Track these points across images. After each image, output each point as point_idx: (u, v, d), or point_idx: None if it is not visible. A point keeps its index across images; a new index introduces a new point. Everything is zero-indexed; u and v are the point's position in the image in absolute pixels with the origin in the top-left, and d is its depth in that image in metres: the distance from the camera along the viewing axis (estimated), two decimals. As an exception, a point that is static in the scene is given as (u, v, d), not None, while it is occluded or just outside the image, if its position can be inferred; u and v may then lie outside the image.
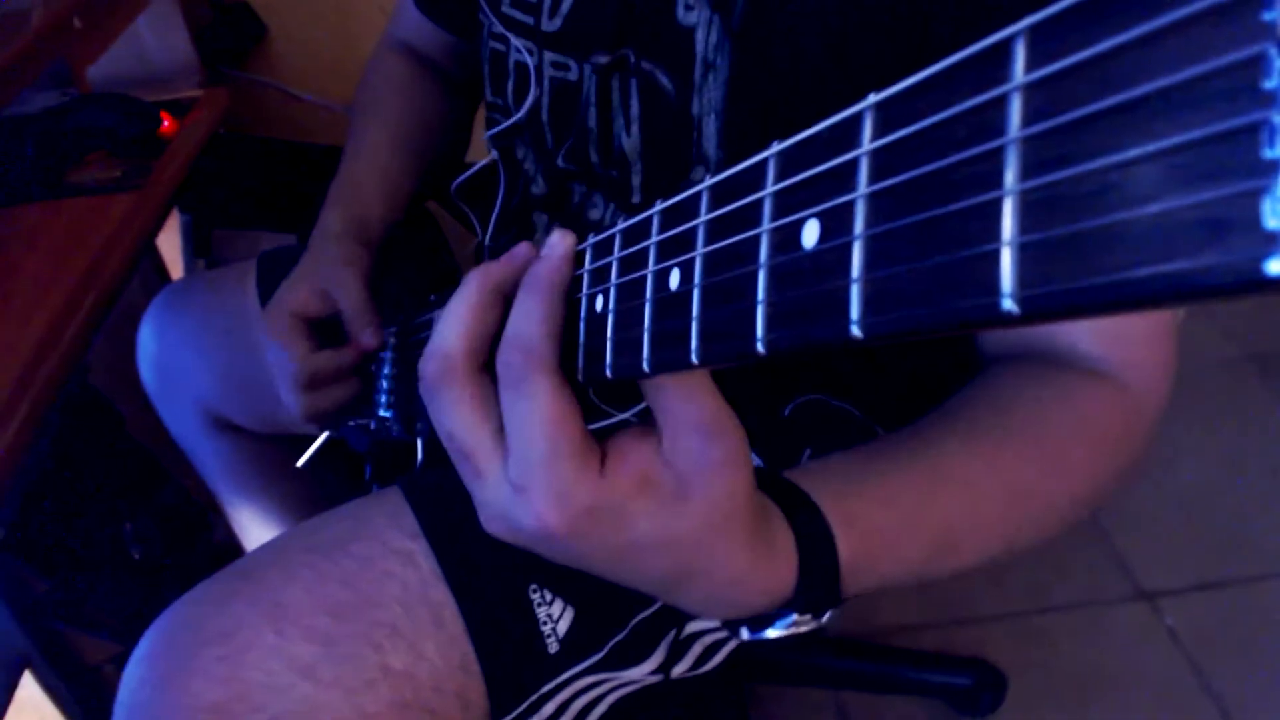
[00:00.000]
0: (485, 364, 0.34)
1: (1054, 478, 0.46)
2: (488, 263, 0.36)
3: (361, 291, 0.67)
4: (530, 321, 0.32)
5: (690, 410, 0.32)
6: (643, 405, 0.59)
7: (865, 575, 0.39)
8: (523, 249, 0.36)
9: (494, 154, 0.70)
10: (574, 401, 0.32)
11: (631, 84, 0.54)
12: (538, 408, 0.31)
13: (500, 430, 0.33)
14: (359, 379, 0.69)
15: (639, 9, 0.52)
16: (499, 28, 0.60)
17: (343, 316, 0.67)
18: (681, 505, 0.33)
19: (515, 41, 0.59)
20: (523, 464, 0.32)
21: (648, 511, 0.32)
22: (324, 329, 0.69)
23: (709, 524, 0.33)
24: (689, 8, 0.50)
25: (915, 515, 0.42)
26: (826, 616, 0.39)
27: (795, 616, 0.37)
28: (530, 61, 0.59)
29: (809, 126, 0.21)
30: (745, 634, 0.39)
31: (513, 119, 0.63)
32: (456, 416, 0.34)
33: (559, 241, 0.34)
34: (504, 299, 0.35)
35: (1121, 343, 0.48)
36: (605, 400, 0.62)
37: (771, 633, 0.38)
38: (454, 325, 0.34)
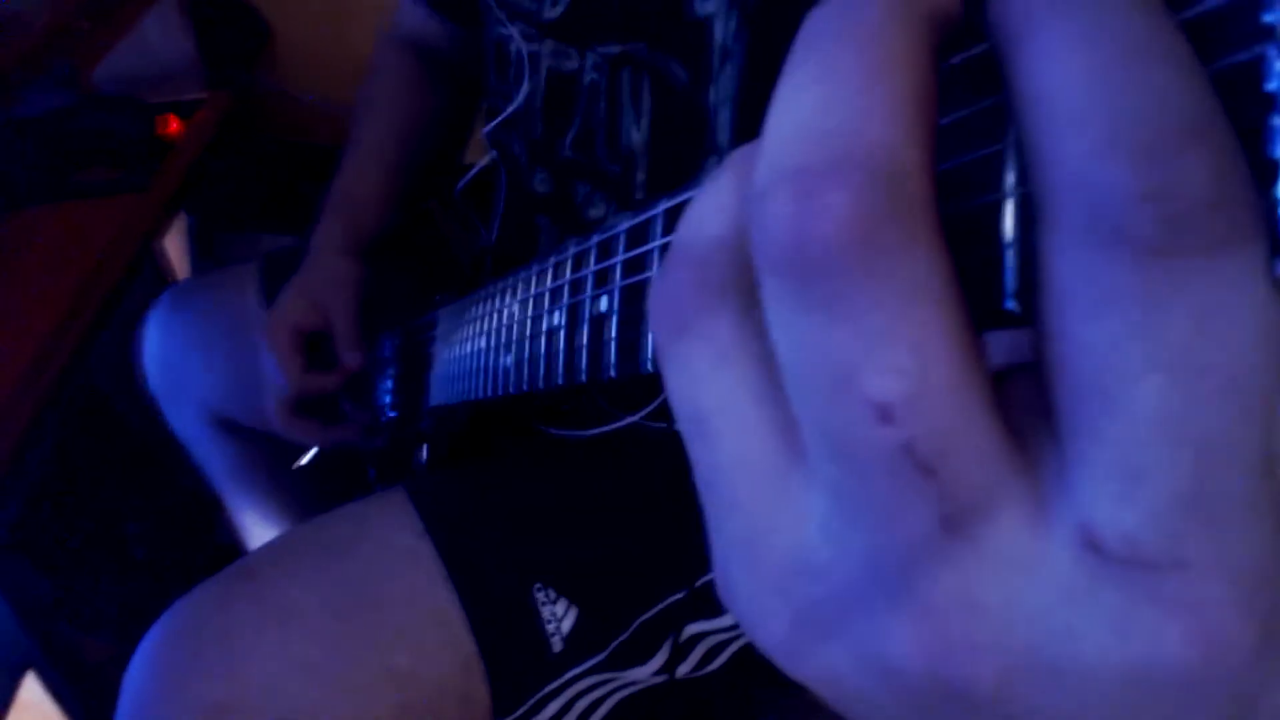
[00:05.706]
0: None
1: None
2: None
3: (351, 313, 0.72)
4: None
5: None
6: (649, 408, 0.59)
7: None
8: None
9: (493, 153, 0.71)
10: None
11: (644, 77, 0.54)
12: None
13: None
14: (342, 431, 0.76)
15: (648, 1, 0.52)
16: (500, 15, 0.60)
17: (332, 336, 0.72)
18: None
19: (516, 28, 0.59)
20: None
21: None
22: (319, 341, 0.73)
23: None
24: None
25: None
26: None
27: None
28: (529, 49, 0.59)
29: None
30: None
31: (509, 109, 0.63)
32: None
33: None
34: None
35: None
36: (611, 403, 0.63)
37: None
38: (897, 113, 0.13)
